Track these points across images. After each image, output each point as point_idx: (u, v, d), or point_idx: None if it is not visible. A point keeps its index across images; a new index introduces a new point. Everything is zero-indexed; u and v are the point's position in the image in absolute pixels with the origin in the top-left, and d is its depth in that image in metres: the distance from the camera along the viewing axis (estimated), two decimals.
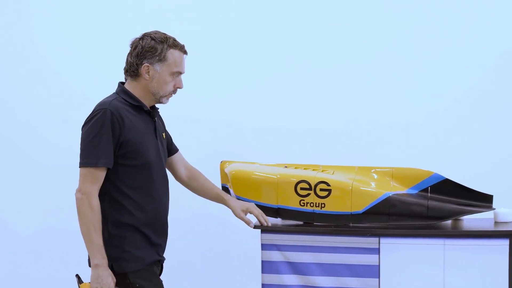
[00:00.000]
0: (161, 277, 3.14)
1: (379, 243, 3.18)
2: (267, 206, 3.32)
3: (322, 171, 3.41)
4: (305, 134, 4.45)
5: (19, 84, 4.70)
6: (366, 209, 3.23)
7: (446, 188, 3.28)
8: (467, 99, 4.47)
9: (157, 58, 2.96)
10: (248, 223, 3.24)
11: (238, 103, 4.54)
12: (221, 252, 4.37)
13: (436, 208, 3.22)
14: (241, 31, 4.58)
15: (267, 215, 3.33)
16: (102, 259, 2.84)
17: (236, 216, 3.26)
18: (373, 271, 3.18)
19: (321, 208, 3.26)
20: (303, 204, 3.27)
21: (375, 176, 3.39)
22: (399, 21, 4.49)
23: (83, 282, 2.91)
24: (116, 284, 2.91)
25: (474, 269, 3.12)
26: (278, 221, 3.38)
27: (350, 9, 4.53)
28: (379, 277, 3.18)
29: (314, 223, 3.28)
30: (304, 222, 3.30)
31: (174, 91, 3.06)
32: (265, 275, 3.25)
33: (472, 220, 3.39)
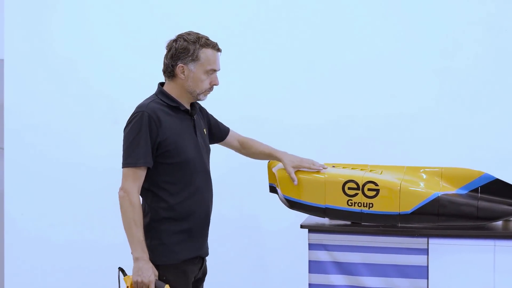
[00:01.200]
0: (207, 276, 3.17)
1: (427, 243, 3.15)
2: (315, 205, 3.31)
3: (370, 171, 3.40)
4: (351, 134, 4.42)
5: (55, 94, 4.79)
6: (415, 209, 3.20)
7: (497, 188, 3.24)
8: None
9: (190, 58, 3.05)
10: (293, 180, 3.29)
11: (278, 101, 4.54)
12: (268, 252, 4.38)
13: (486, 208, 3.18)
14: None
15: (314, 215, 3.33)
16: (142, 252, 2.96)
17: (287, 173, 3.31)
18: (422, 272, 3.16)
19: (369, 208, 3.25)
20: (350, 204, 3.26)
21: (424, 176, 3.37)
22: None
23: (126, 274, 3.04)
24: None
25: None
26: (325, 221, 3.38)
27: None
28: (427, 278, 3.16)
29: (362, 223, 3.27)
30: (352, 222, 3.29)
31: (211, 88, 3.14)
32: (312, 275, 3.25)
33: None
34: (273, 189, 3.52)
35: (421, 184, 3.31)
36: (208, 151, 3.26)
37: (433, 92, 4.41)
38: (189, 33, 3.11)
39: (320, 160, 3.52)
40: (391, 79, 4.44)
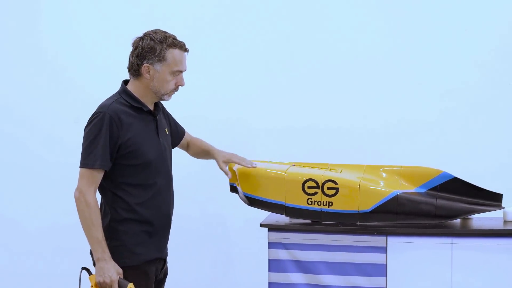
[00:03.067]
0: (168, 276, 3.15)
1: (386, 241, 3.17)
2: (274, 202, 3.32)
3: (330, 169, 3.41)
4: (312, 133, 4.44)
5: (28, 83, 4.74)
6: (374, 207, 3.22)
7: (455, 186, 3.27)
8: (476, 96, 4.44)
9: (157, 58, 3.00)
10: (226, 173, 3.37)
11: (244, 103, 4.55)
12: (228, 251, 4.38)
13: (445, 207, 3.20)
14: (246, 30, 4.58)
15: (274, 212, 3.34)
16: (102, 253, 2.93)
17: (220, 168, 3.38)
18: (380, 270, 3.18)
19: (328, 207, 3.26)
20: (310, 203, 3.27)
21: (384, 175, 3.39)
22: (403, 18, 4.47)
23: (91, 274, 3.02)
24: None
25: (482, 268, 3.11)
26: (285, 219, 3.38)
27: (357, 8, 4.51)
28: (386, 276, 3.17)
29: (322, 222, 3.28)
30: (312, 221, 3.30)
31: (176, 89, 3.10)
32: (272, 273, 3.25)
33: (481, 219, 3.37)
34: (233, 189, 3.51)
35: (381, 183, 3.32)
36: (170, 151, 3.24)
37: (393, 91, 4.46)
38: (156, 32, 3.04)
39: (283, 158, 3.53)
40: (357, 80, 4.49)
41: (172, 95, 3.12)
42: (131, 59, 3.06)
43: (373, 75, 4.50)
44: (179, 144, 3.46)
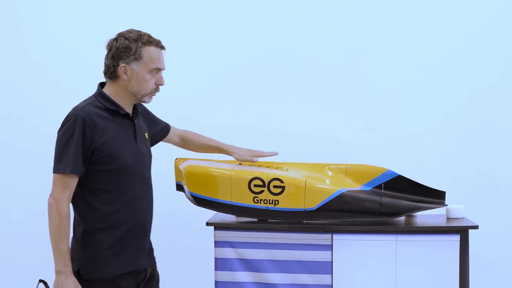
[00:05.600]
0: None
1: (332, 239, 3.19)
2: (221, 202, 3.31)
3: (276, 168, 3.41)
4: (269, 135, 4.46)
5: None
6: (320, 205, 3.23)
7: (400, 184, 3.31)
8: (417, 95, 4.51)
9: (133, 57, 2.89)
10: (251, 160, 3.40)
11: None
12: (174, 250, 4.36)
13: (389, 204, 3.23)
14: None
15: (220, 211, 3.33)
16: (64, 266, 2.79)
17: (241, 160, 3.40)
18: (326, 268, 3.19)
19: (274, 205, 3.26)
20: (256, 201, 3.27)
21: (329, 173, 3.41)
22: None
23: (49, 287, 2.89)
24: None
25: (425, 264, 3.16)
26: (232, 218, 3.38)
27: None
28: (331, 274, 3.19)
29: (268, 220, 3.28)
30: (258, 219, 3.30)
31: (156, 89, 2.98)
32: (218, 272, 3.25)
33: (425, 217, 3.41)
34: (180, 187, 3.50)
35: (327, 181, 3.34)
36: (149, 157, 3.09)
37: (334, 91, 4.51)
38: (130, 31, 2.94)
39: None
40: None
41: (153, 96, 2.99)
42: (106, 61, 2.94)
43: (320, 80, 4.54)
44: (166, 139, 3.37)
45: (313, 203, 3.24)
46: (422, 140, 4.47)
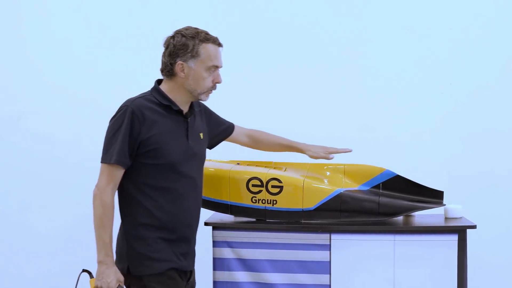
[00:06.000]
0: None
1: (330, 239, 3.19)
2: (219, 202, 3.31)
3: (274, 168, 3.42)
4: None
5: None
6: (318, 205, 3.24)
7: (398, 184, 3.31)
8: (416, 95, 4.52)
9: (190, 54, 2.86)
10: (327, 158, 3.33)
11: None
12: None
13: (387, 204, 3.24)
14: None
15: (219, 211, 3.33)
16: (105, 256, 2.79)
17: (315, 157, 3.33)
18: (324, 267, 3.19)
19: (272, 205, 3.26)
20: (255, 201, 3.27)
21: (328, 173, 3.41)
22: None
23: (93, 277, 2.88)
24: (131, 286, 2.88)
25: (423, 264, 3.16)
26: (230, 218, 3.38)
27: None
28: (330, 273, 3.19)
29: (266, 220, 3.28)
30: (256, 219, 3.30)
31: (213, 87, 2.94)
32: (217, 272, 3.25)
33: (423, 216, 3.42)
34: None
35: (325, 181, 3.35)
36: (200, 157, 3.04)
37: (332, 90, 4.52)
38: (187, 28, 2.91)
39: (235, 157, 3.53)
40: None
41: (210, 94, 2.96)
42: (163, 59, 2.92)
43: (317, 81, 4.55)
44: (233, 139, 3.33)
45: (311, 203, 3.24)
46: (420, 140, 4.48)
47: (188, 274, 3.02)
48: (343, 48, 4.55)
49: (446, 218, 3.38)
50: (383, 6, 4.57)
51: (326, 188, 3.26)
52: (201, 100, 2.96)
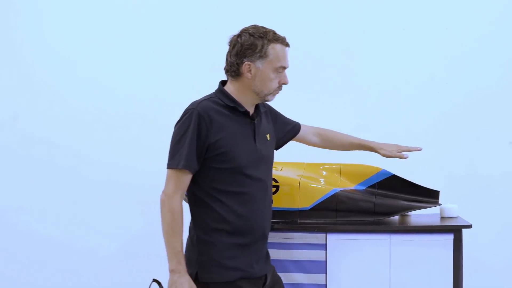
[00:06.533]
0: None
1: (326, 239, 3.19)
2: None
3: None
4: None
5: None
6: (314, 205, 3.24)
7: (394, 184, 3.32)
8: (410, 95, 4.53)
9: (258, 54, 2.76)
10: (401, 157, 3.21)
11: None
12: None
13: (383, 204, 3.25)
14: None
15: None
16: (178, 264, 2.70)
17: (389, 156, 3.23)
18: (320, 267, 3.20)
19: None
20: None
21: (324, 173, 3.41)
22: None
23: (163, 287, 2.82)
24: None
25: (419, 263, 3.17)
26: None
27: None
28: (326, 273, 3.20)
29: None
30: None
31: (279, 88, 2.84)
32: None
33: (419, 216, 3.42)
34: None
35: (321, 181, 3.35)
36: (269, 159, 2.95)
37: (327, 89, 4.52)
38: (254, 27, 2.81)
39: None
40: None
41: (276, 95, 2.86)
42: (229, 58, 2.81)
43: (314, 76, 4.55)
44: (299, 139, 3.24)
45: (307, 203, 3.24)
46: (416, 139, 4.42)
47: (263, 279, 2.91)
48: (337, 47, 4.57)
49: (442, 218, 3.39)
50: (379, 5, 4.58)
51: (322, 187, 3.27)
52: (267, 100, 2.87)
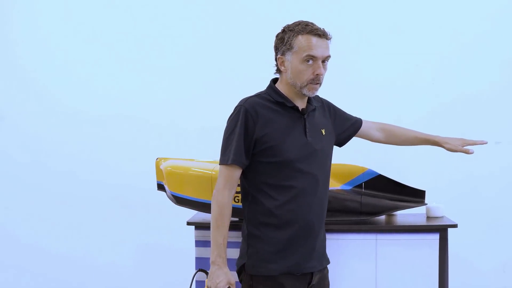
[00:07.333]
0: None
1: None
2: (203, 202, 3.30)
3: None
4: None
5: None
6: None
7: (380, 184, 3.33)
8: (400, 94, 4.55)
9: (285, 47, 2.82)
10: (466, 151, 3.12)
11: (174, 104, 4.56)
12: (154, 249, 4.36)
13: (369, 204, 3.25)
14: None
15: (201, 211, 3.33)
16: (217, 257, 2.79)
17: (454, 151, 3.15)
18: None
19: None
20: (237, 201, 3.26)
21: None
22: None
23: None
24: (242, 283, 2.89)
25: (405, 263, 3.18)
26: None
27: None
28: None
29: None
30: (239, 219, 3.30)
31: (315, 79, 2.81)
32: (199, 272, 3.24)
33: (405, 216, 3.44)
34: (161, 187, 3.49)
35: None
36: (323, 153, 2.92)
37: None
38: (294, 23, 2.85)
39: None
40: None
41: (316, 88, 2.83)
42: (275, 55, 2.91)
43: None
44: (361, 135, 3.20)
45: None
46: None
47: (310, 277, 2.90)
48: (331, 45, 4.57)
49: (428, 217, 3.40)
50: (373, 4, 4.59)
51: None
52: (304, 95, 2.86)
